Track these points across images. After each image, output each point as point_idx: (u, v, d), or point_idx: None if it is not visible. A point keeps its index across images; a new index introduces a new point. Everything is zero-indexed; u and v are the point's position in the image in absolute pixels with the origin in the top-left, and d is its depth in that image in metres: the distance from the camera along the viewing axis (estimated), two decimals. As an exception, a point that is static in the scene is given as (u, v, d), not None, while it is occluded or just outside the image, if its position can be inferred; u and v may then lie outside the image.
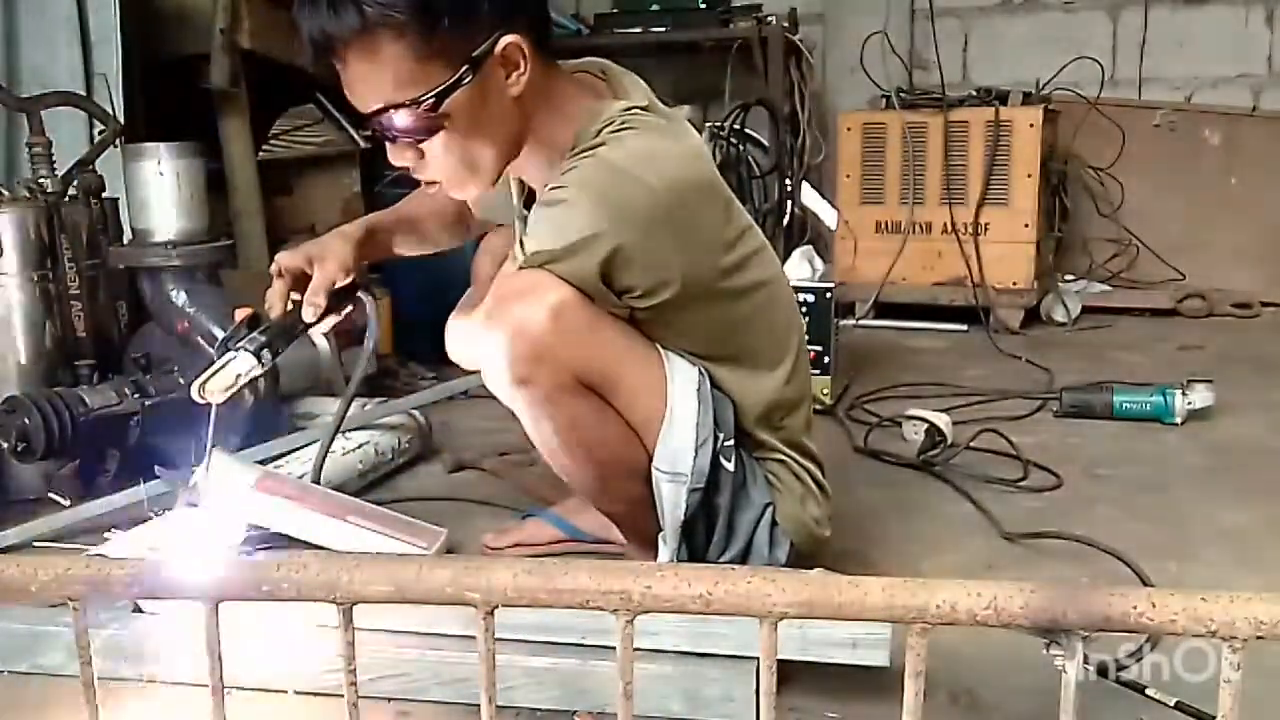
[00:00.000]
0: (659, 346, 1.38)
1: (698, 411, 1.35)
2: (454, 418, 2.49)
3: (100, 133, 2.41)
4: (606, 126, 1.29)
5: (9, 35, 2.56)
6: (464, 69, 1.24)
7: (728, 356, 1.41)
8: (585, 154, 1.28)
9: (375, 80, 1.24)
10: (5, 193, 2.09)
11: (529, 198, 1.47)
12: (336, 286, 1.51)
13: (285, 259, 1.51)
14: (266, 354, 1.44)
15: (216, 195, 2.55)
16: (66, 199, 2.18)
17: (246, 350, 1.43)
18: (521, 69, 1.28)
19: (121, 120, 2.46)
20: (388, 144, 1.31)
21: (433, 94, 1.24)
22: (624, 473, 1.39)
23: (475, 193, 1.42)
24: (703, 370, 1.39)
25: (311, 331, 1.52)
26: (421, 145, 1.30)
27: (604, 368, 1.33)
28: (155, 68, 2.78)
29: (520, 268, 1.31)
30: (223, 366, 1.43)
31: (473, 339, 1.40)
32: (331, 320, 1.53)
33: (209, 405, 1.43)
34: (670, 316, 1.35)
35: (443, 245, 1.75)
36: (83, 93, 2.50)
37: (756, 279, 1.41)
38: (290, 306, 1.50)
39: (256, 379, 1.47)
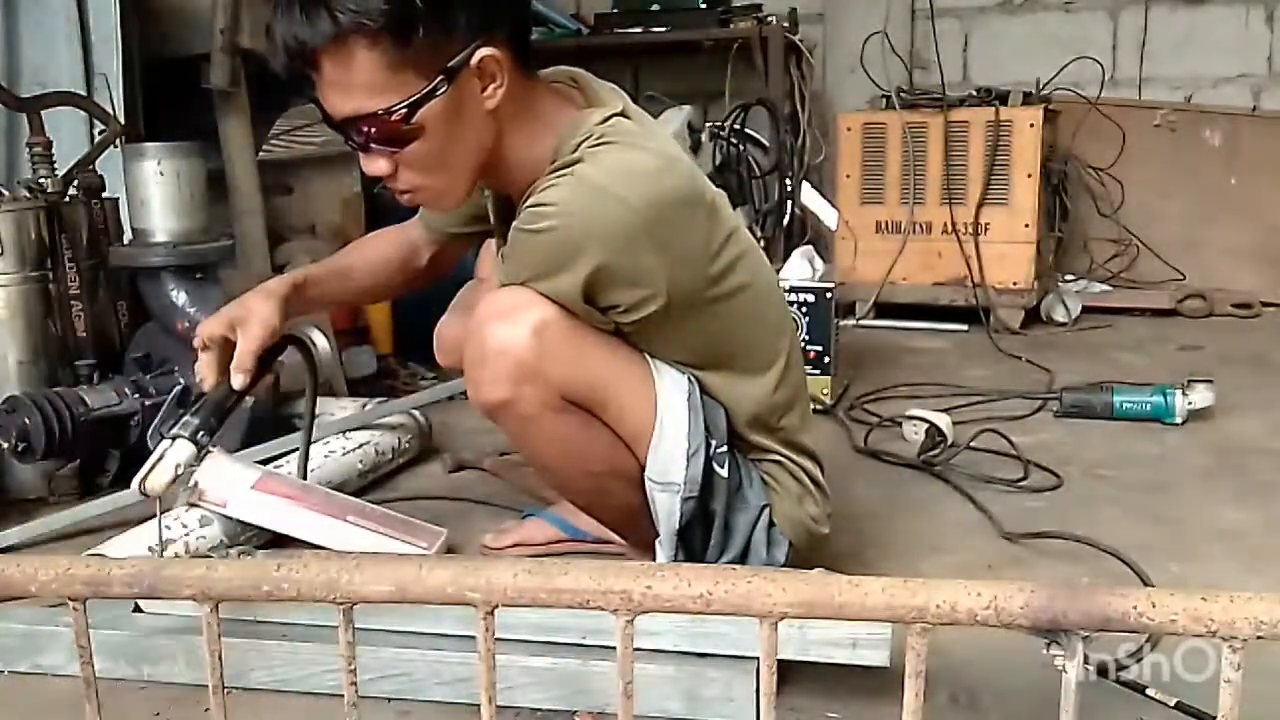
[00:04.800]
0: (647, 356, 1.37)
1: (688, 420, 1.35)
2: (454, 418, 2.49)
3: (100, 133, 2.41)
4: (585, 140, 1.28)
5: (9, 35, 2.56)
6: (438, 79, 1.23)
7: (718, 362, 1.41)
8: (563, 171, 1.26)
9: (348, 88, 1.23)
10: (5, 193, 2.09)
11: (509, 212, 1.46)
12: (264, 348, 1.47)
13: (207, 329, 1.47)
14: (204, 435, 1.40)
15: (216, 195, 2.55)
16: (66, 199, 2.18)
17: (182, 437, 1.39)
18: (498, 81, 1.27)
19: (121, 120, 2.46)
20: (361, 153, 1.30)
21: (405, 104, 1.23)
22: (616, 484, 1.39)
23: (448, 205, 1.41)
24: (692, 378, 1.38)
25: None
26: (394, 155, 1.29)
27: (591, 383, 1.33)
28: (155, 68, 2.78)
29: (502, 285, 1.31)
30: (160, 459, 1.39)
31: (459, 345, 1.39)
32: (266, 380, 1.49)
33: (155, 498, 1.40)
34: (657, 328, 1.34)
35: (392, 293, 1.72)
36: (83, 93, 2.50)
37: (743, 282, 1.39)
38: (220, 377, 1.46)
39: (199, 460, 1.43)
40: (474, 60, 1.24)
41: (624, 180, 1.25)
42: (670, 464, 1.35)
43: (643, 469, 1.36)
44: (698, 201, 1.34)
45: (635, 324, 1.33)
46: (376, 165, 1.30)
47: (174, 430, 1.41)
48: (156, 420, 1.46)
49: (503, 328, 1.28)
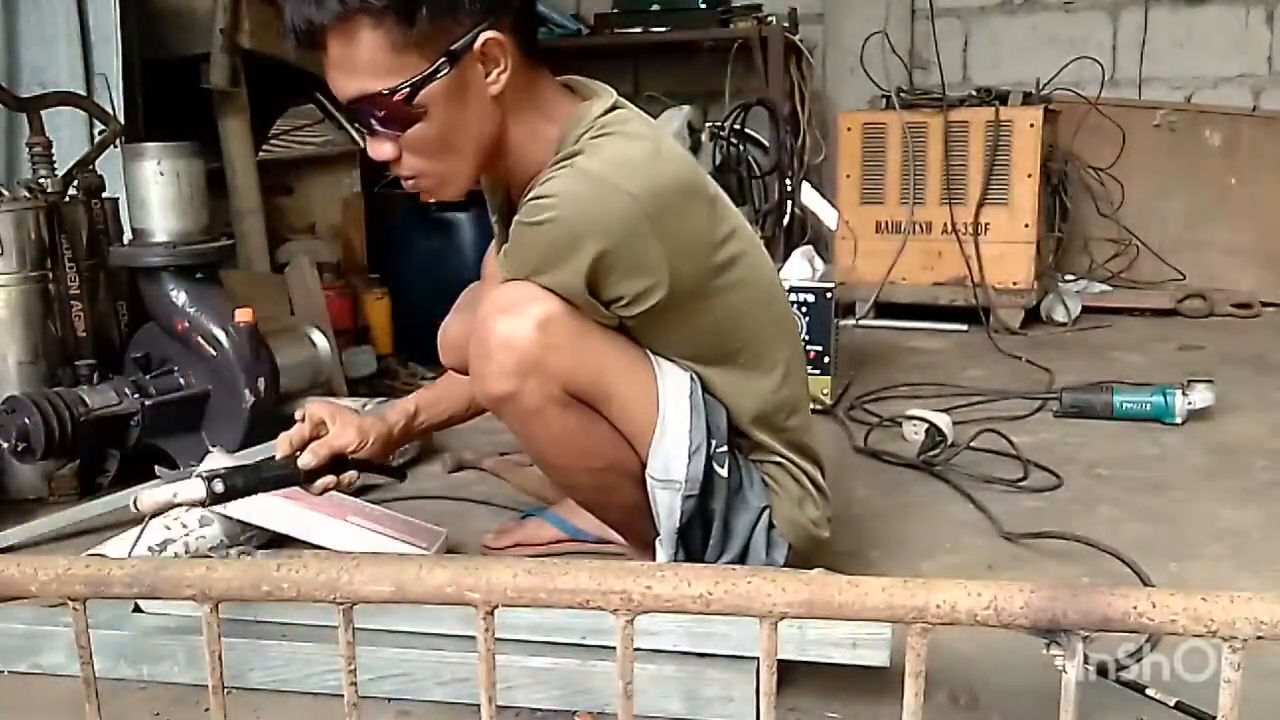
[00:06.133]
0: (650, 353, 1.38)
1: (690, 418, 1.35)
2: (454, 418, 2.49)
3: (100, 133, 2.41)
4: (586, 132, 1.29)
5: (9, 35, 2.56)
6: (441, 61, 1.24)
7: (720, 360, 1.41)
8: (564, 163, 1.27)
9: (353, 68, 1.24)
10: (5, 193, 2.09)
11: (510, 208, 1.46)
12: (352, 455, 1.49)
13: (312, 408, 1.50)
14: (220, 485, 1.37)
15: (216, 195, 2.55)
16: (66, 199, 2.18)
17: (202, 478, 1.38)
18: (502, 66, 1.28)
19: (121, 120, 2.46)
20: (367, 136, 1.31)
21: (408, 84, 1.24)
22: (617, 481, 1.39)
23: (452, 193, 1.40)
24: (694, 376, 1.38)
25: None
26: (399, 139, 1.29)
27: (594, 378, 1.33)
28: (155, 68, 2.78)
29: (505, 280, 1.31)
30: (170, 483, 1.40)
31: (463, 344, 1.39)
32: (326, 481, 1.48)
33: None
34: (660, 322, 1.34)
35: None
36: (83, 93, 2.50)
37: (746, 277, 1.40)
38: (292, 453, 1.46)
39: (201, 503, 1.41)
40: (478, 44, 1.25)
41: (623, 170, 1.25)
42: (671, 461, 1.35)
43: (644, 466, 1.36)
44: (698, 191, 1.35)
45: (638, 316, 1.33)
46: (381, 149, 1.31)
47: (203, 471, 1.42)
48: (211, 469, 1.47)
49: (507, 322, 1.28)
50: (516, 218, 1.31)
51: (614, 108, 1.33)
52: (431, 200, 1.41)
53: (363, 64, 1.24)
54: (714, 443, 1.37)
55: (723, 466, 1.39)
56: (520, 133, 1.34)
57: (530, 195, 1.28)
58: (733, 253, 1.38)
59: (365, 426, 1.51)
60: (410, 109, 1.26)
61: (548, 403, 1.30)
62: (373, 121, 1.28)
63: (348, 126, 3.24)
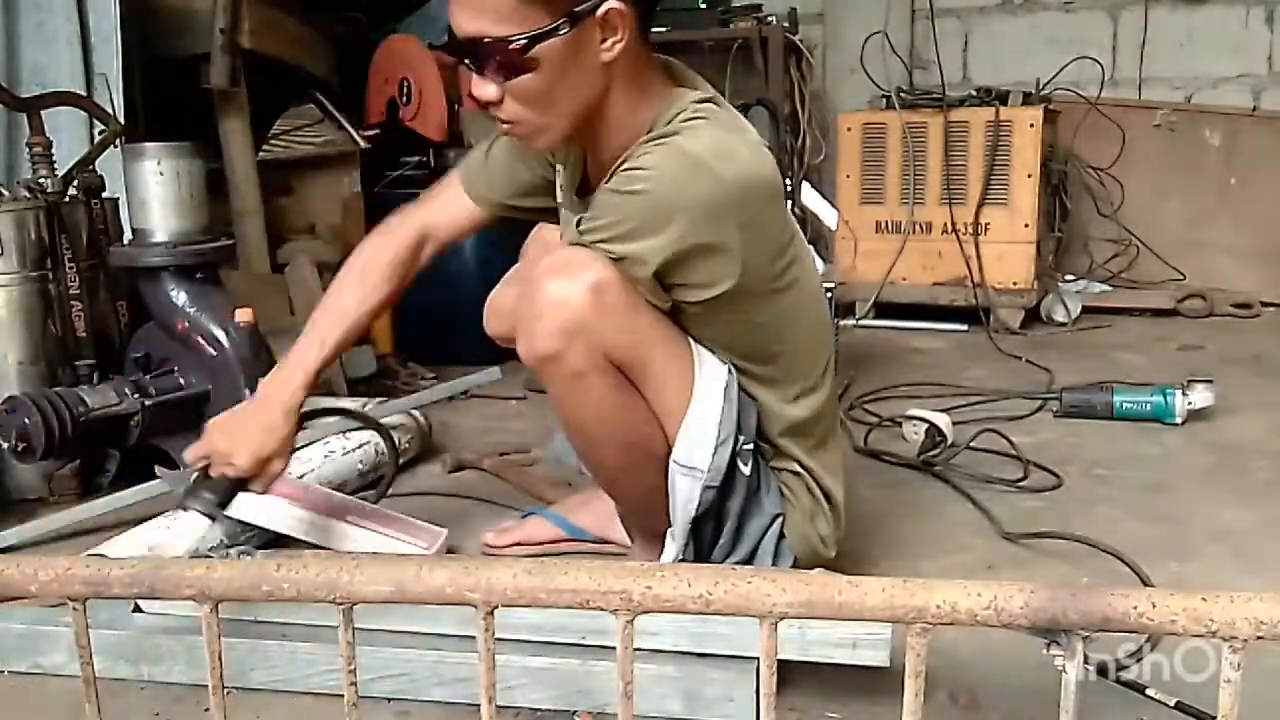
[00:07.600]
0: (691, 341, 1.39)
1: (721, 408, 1.36)
2: (454, 418, 2.49)
3: (100, 133, 2.41)
4: (680, 114, 1.31)
5: (9, 35, 2.56)
6: (563, 20, 1.25)
7: (760, 360, 1.42)
8: (660, 140, 1.29)
9: (478, 8, 1.25)
10: (5, 193, 2.09)
11: (583, 181, 1.47)
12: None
13: (193, 450, 1.49)
14: (214, 504, 1.45)
15: (216, 195, 2.55)
16: (66, 199, 2.18)
17: (196, 510, 1.45)
18: (619, 36, 1.29)
19: (121, 120, 2.46)
20: (473, 74, 1.32)
21: (526, 36, 1.25)
22: (643, 460, 1.39)
23: (543, 144, 1.41)
24: (732, 369, 1.39)
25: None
26: (505, 84, 1.30)
27: (636, 352, 1.34)
28: (155, 68, 2.78)
29: (573, 244, 1.32)
30: (172, 525, 1.47)
31: (512, 310, 1.40)
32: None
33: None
34: (714, 314, 1.36)
35: (405, 282, 1.64)
36: (83, 93, 2.50)
37: (799, 282, 1.42)
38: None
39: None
40: (600, 10, 1.27)
41: (721, 157, 1.27)
42: (696, 447, 1.35)
43: (669, 452, 1.37)
44: (779, 193, 1.38)
45: (698, 305, 1.34)
46: (486, 90, 1.32)
47: (192, 504, 1.46)
48: (185, 491, 1.50)
49: (561, 283, 1.29)
50: (607, 185, 1.33)
51: (711, 99, 1.35)
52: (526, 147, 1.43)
53: (488, 6, 1.25)
54: (741, 439, 1.38)
55: (746, 464, 1.39)
56: (619, 104, 1.35)
57: (625, 165, 1.30)
58: (791, 257, 1.40)
59: (258, 446, 1.47)
60: (524, 59, 1.27)
61: (591, 367, 1.31)
62: (484, 64, 1.29)
63: (348, 127, 3.24)
